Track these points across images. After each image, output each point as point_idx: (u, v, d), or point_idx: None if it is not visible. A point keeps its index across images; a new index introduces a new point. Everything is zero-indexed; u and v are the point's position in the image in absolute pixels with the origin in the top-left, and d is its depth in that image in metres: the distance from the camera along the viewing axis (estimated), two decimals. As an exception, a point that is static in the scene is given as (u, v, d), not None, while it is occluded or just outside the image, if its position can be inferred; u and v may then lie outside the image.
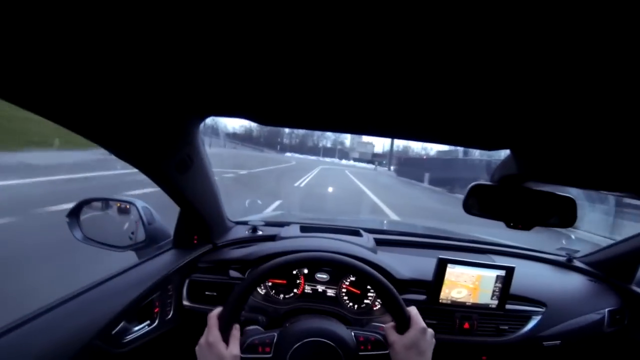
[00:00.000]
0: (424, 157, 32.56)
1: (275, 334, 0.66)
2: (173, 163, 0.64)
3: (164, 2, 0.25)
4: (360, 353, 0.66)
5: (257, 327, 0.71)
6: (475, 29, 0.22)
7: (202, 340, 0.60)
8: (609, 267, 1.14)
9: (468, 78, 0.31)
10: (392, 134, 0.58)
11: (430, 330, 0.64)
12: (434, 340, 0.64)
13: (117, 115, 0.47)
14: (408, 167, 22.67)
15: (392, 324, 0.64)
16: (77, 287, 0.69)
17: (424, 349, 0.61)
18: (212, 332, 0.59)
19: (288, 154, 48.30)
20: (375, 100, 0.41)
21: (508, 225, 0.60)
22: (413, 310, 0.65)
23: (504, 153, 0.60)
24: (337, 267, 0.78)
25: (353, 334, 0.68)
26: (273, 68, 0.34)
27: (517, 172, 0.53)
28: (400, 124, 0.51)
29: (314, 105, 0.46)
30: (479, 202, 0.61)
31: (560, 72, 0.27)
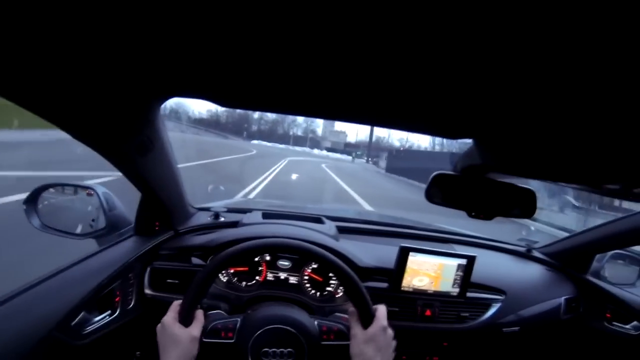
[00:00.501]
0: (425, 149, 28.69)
1: (239, 320, 0.67)
2: (133, 145, 0.62)
3: None
4: (323, 342, 0.67)
5: (220, 311, 0.71)
6: (440, 12, 0.22)
7: (162, 320, 0.62)
8: (566, 258, 1.20)
9: (433, 65, 0.31)
10: (358, 119, 0.58)
11: (390, 331, 0.66)
12: (394, 342, 0.66)
13: (74, 94, 0.46)
14: (404, 162, 18.19)
15: (356, 316, 0.66)
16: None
17: (383, 345, 0.63)
18: (170, 314, 0.61)
19: (254, 142, 44.44)
20: (341, 83, 0.41)
21: (470, 215, 0.62)
22: (380, 308, 0.67)
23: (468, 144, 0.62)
24: (301, 255, 0.78)
25: (316, 323, 0.69)
26: (237, 45, 0.34)
27: (479, 162, 0.54)
28: (366, 108, 0.51)
29: (279, 86, 0.45)
30: (441, 192, 0.62)
31: (525, 64, 0.27)
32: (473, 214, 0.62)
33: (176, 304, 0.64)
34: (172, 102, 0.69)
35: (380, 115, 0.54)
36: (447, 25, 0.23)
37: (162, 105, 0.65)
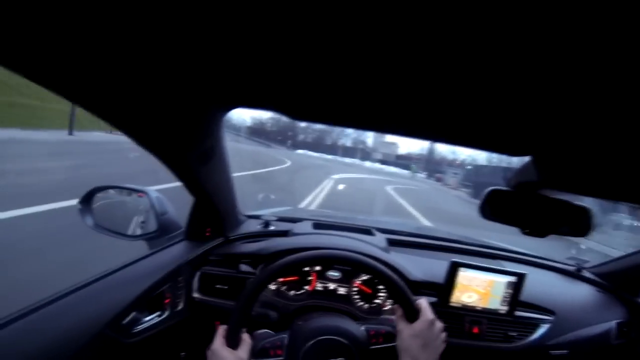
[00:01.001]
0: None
1: (286, 336, 0.66)
2: (196, 154, 0.64)
3: None
4: (372, 347, 0.66)
5: (266, 330, 0.70)
6: (502, 30, 0.22)
7: (211, 347, 0.62)
8: (618, 279, 1.14)
9: (496, 82, 0.31)
10: (421, 135, 0.57)
11: (439, 324, 0.64)
12: (443, 334, 0.64)
13: (143, 104, 0.47)
14: (491, 180, 12.23)
15: (401, 312, 0.65)
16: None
17: (429, 340, 0.61)
18: (217, 339, 0.61)
19: (299, 151, 42.01)
20: (407, 99, 0.40)
21: (523, 232, 0.60)
22: (423, 302, 0.66)
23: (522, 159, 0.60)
24: (354, 267, 0.77)
25: (364, 328, 0.69)
26: (305, 57, 0.33)
27: (535, 179, 0.53)
28: (427, 124, 0.50)
29: (348, 100, 0.45)
30: (495, 208, 0.60)
31: (588, 81, 0.27)
32: (527, 231, 0.60)
33: (223, 329, 0.63)
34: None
35: (445, 131, 0.53)
36: (512, 41, 0.23)
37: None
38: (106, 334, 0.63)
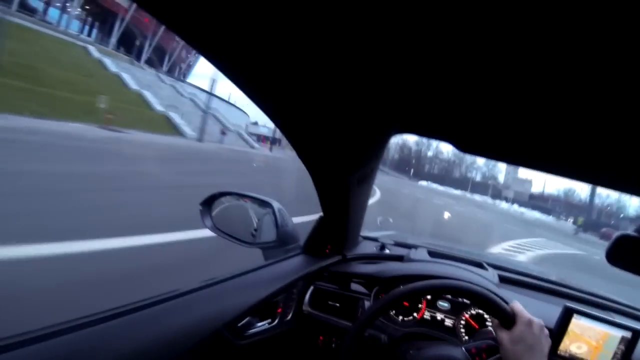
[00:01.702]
0: None
1: None
2: (358, 174, 0.66)
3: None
4: None
5: None
6: None
7: None
8: None
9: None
10: (610, 183, 0.51)
11: (538, 321, 0.61)
12: (546, 332, 0.61)
13: (319, 123, 0.49)
14: None
15: (497, 322, 0.63)
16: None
17: (533, 342, 0.58)
18: None
19: (423, 183, 38.70)
20: (591, 141, 0.39)
21: None
22: (516, 304, 0.64)
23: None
24: (471, 299, 0.78)
25: (464, 348, 0.68)
26: (482, 90, 0.33)
27: None
28: (617, 167, 0.44)
29: (523, 137, 0.44)
30: (625, 255, 0.58)
31: None
32: None
33: None
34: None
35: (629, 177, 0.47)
36: None
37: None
38: (222, 333, 0.66)
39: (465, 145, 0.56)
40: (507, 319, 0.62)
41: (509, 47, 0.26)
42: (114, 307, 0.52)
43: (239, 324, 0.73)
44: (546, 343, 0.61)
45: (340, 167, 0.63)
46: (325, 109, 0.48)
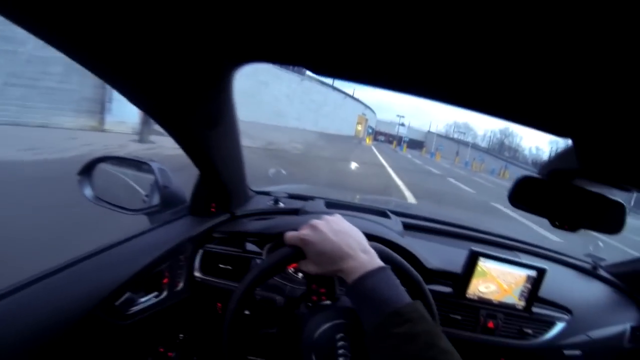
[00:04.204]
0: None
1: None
2: (200, 115, 0.57)
3: None
4: (321, 303, 0.62)
5: None
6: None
7: None
8: (634, 281, 1.10)
9: (542, 50, 0.27)
10: (453, 101, 0.52)
11: (321, 219, 0.54)
12: (341, 220, 0.55)
13: (138, 56, 0.41)
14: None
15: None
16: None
17: (331, 237, 0.51)
18: None
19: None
20: (446, 60, 0.36)
21: (553, 224, 0.56)
22: (286, 235, 0.55)
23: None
24: None
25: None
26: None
27: (571, 166, 0.49)
28: (463, 89, 0.44)
29: (378, 52, 0.39)
30: (525, 196, 0.57)
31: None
32: (557, 223, 0.56)
33: None
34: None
35: (481, 99, 0.47)
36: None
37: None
38: (97, 316, 0.58)
39: (319, 66, 0.47)
40: (296, 253, 0.55)
41: None
42: None
43: (117, 303, 0.64)
44: (346, 224, 0.55)
45: (174, 105, 0.53)
46: (144, 36, 0.38)
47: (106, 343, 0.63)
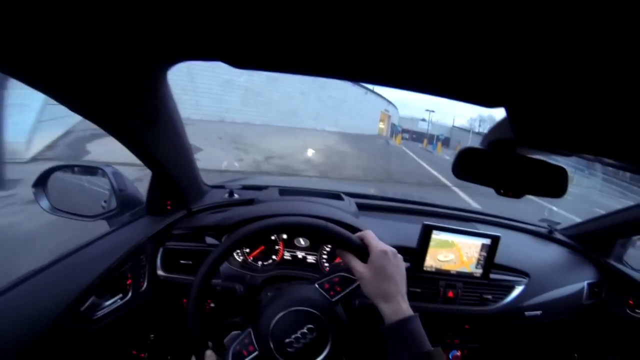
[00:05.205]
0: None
1: (250, 330, 0.60)
2: (136, 116, 0.57)
3: None
4: (333, 299, 0.62)
5: (232, 333, 0.63)
6: None
7: None
8: (589, 241, 1.16)
9: (465, 19, 0.28)
10: (382, 80, 0.52)
11: (391, 249, 0.59)
12: (400, 257, 0.60)
13: (66, 58, 0.41)
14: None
15: (349, 256, 0.60)
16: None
17: (391, 271, 0.57)
18: None
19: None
20: (366, 41, 0.37)
21: (498, 192, 0.59)
22: (367, 235, 0.61)
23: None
24: (289, 231, 0.75)
25: (316, 285, 0.64)
26: None
27: (510, 135, 0.50)
28: (390, 68, 0.46)
29: (301, 41, 0.40)
30: (468, 167, 0.59)
31: (569, 27, 0.24)
32: (502, 191, 0.58)
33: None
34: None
35: (409, 76, 0.48)
36: None
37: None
38: (63, 324, 0.59)
39: (240, 61, 0.49)
40: (360, 251, 0.59)
41: None
42: None
43: (82, 308, 0.64)
44: (403, 267, 0.60)
45: (108, 106, 0.54)
46: (70, 38, 0.38)
47: (76, 351, 0.63)
